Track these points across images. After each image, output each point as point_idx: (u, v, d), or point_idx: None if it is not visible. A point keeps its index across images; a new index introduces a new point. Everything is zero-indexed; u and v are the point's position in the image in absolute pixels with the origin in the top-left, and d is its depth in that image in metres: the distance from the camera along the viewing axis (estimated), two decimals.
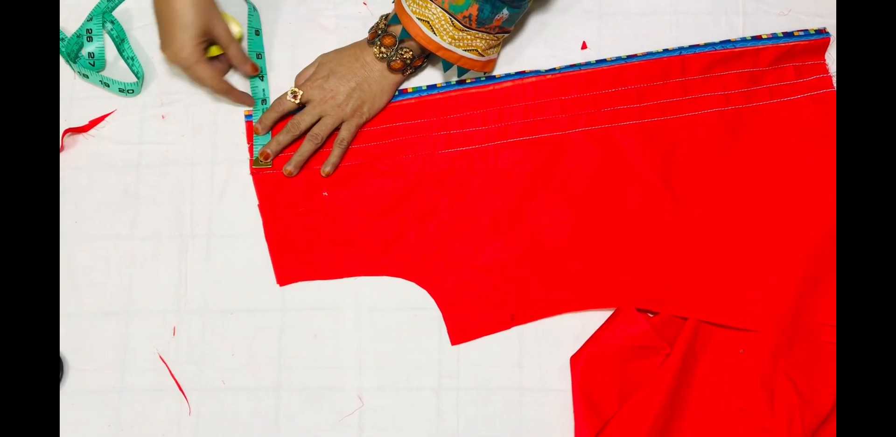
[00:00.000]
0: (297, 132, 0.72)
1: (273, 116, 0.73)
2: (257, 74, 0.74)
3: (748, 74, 0.73)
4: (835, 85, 0.72)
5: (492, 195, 0.72)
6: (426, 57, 0.74)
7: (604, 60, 0.74)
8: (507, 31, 0.70)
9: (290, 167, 0.72)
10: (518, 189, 0.72)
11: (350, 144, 0.73)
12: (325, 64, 0.72)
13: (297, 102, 0.72)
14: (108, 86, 0.75)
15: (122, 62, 0.77)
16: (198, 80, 0.70)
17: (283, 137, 0.72)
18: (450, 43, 0.67)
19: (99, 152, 0.75)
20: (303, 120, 0.72)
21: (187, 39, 0.67)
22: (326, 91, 0.71)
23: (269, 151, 0.72)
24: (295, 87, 0.73)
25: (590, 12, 0.76)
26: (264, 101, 0.74)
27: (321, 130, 0.71)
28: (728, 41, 0.73)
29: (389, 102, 0.74)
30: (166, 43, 0.68)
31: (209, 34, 0.69)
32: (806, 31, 0.74)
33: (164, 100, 0.76)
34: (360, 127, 0.73)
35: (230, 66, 0.75)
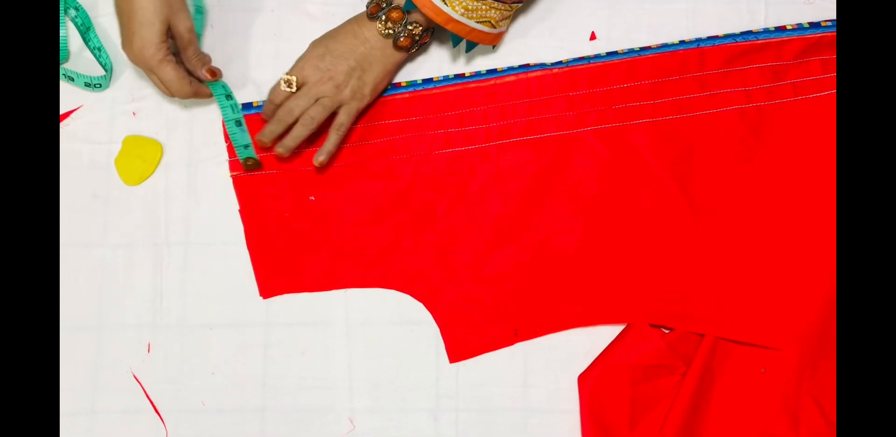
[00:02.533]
0: (291, 120, 0.67)
1: (272, 107, 0.68)
2: (217, 79, 0.68)
3: (771, 69, 0.70)
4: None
5: (494, 200, 0.69)
6: (431, 32, 0.69)
7: (615, 53, 0.70)
8: (521, 1, 0.67)
9: (280, 149, 0.67)
10: (522, 193, 0.69)
11: (348, 130, 0.68)
12: (319, 42, 0.67)
13: (294, 90, 0.66)
14: (73, 80, 0.71)
15: (87, 53, 0.73)
16: (162, 82, 0.66)
17: (275, 127, 0.67)
18: (462, 14, 0.64)
19: (65, 152, 0.71)
20: (297, 105, 0.66)
21: (148, 36, 0.63)
22: (323, 71, 0.66)
23: (264, 139, 0.67)
24: (285, 74, 0.67)
25: None
26: (229, 96, 0.69)
27: (317, 114, 0.66)
28: (749, 32, 0.70)
29: (391, 83, 0.70)
30: (127, 41, 0.64)
31: (171, 30, 0.65)
32: (834, 21, 0.71)
33: (136, 95, 0.72)
34: (360, 111, 0.68)
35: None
